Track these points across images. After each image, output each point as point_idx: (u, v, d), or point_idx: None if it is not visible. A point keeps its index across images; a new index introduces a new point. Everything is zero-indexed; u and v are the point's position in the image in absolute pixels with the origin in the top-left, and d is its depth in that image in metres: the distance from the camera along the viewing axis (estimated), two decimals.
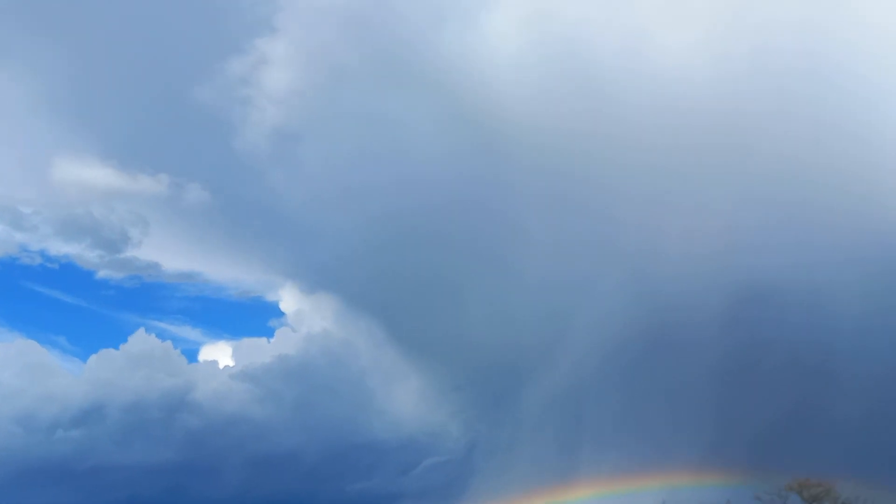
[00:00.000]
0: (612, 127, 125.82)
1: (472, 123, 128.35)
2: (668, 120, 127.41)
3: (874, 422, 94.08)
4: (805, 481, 49.60)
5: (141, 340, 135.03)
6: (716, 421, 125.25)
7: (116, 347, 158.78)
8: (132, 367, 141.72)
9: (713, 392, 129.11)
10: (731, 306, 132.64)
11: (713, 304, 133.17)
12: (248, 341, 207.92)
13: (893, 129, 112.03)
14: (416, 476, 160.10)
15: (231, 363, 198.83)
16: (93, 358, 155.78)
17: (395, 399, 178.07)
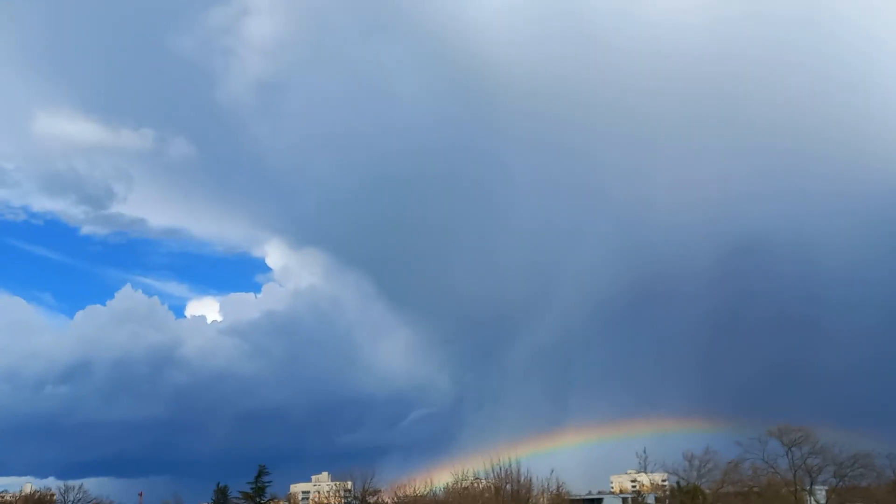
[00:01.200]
0: (603, 72, 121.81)
1: (460, 68, 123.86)
2: (661, 65, 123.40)
3: (856, 372, 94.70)
4: (785, 427, 50.00)
5: (127, 296, 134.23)
6: (701, 371, 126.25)
7: (103, 303, 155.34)
8: (119, 322, 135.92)
9: (700, 342, 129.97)
10: (721, 257, 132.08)
11: (703, 254, 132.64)
12: (235, 296, 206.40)
13: (889, 79, 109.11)
14: (403, 428, 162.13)
15: (218, 318, 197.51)
16: (79, 314, 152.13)
17: (382, 353, 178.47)
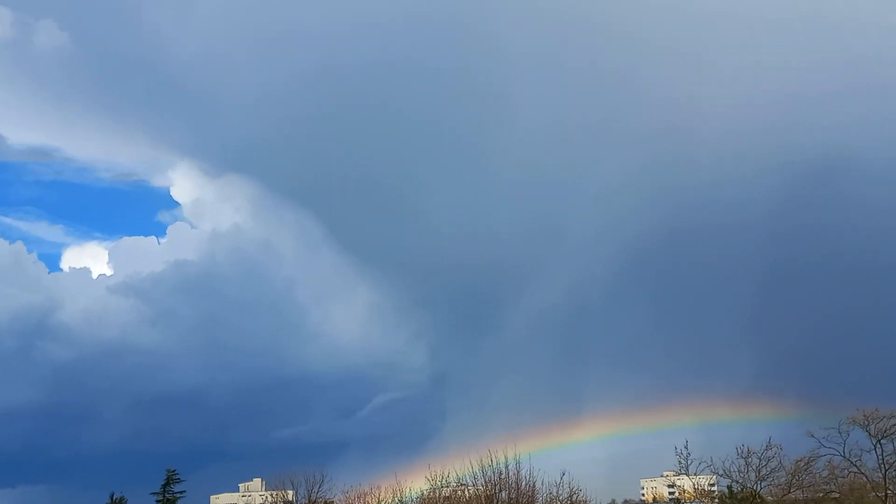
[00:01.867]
0: None
1: None
2: None
3: None
4: (872, 412, 50.44)
5: None
6: (760, 339, 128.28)
7: None
8: None
9: (758, 307, 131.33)
10: (785, 195, 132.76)
11: (761, 195, 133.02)
12: (129, 242, 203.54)
13: None
14: (363, 419, 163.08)
15: (108, 272, 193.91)
16: None
17: (335, 319, 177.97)
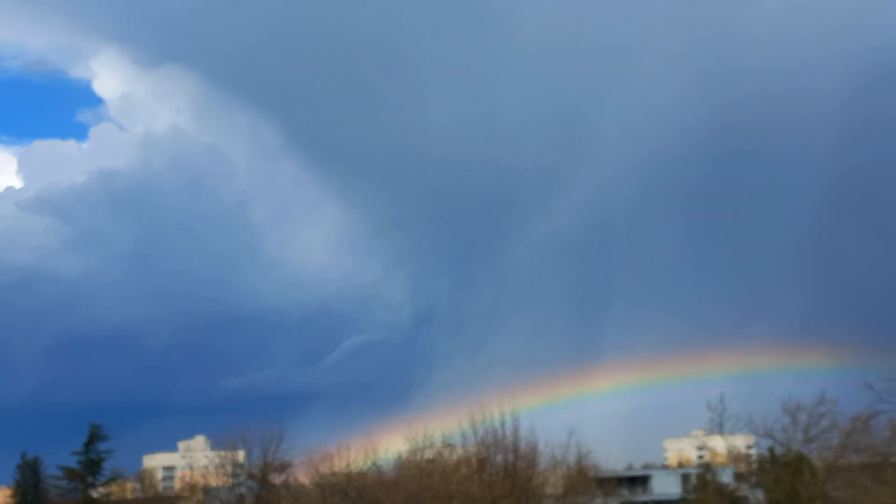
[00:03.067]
0: None
1: None
2: None
3: None
4: None
5: None
6: (816, 276, 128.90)
7: None
8: None
9: (815, 233, 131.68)
10: (856, 89, 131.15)
11: (827, 88, 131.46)
12: (43, 147, 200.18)
13: None
14: (331, 366, 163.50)
15: (17, 184, 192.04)
16: None
17: (297, 244, 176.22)
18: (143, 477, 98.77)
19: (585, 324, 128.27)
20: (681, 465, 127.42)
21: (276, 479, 67.26)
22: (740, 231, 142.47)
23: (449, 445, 59.94)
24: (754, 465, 67.75)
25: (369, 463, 63.46)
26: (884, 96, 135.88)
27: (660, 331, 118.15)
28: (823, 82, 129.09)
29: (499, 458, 53.03)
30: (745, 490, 66.03)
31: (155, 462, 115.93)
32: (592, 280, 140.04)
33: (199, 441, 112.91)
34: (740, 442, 63.30)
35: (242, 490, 69.48)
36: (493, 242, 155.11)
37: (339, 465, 63.86)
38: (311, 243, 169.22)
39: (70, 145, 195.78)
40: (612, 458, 73.37)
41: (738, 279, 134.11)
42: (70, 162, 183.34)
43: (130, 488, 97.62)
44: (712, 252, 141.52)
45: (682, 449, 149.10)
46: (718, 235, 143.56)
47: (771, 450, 57.66)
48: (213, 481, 74.71)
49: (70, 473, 65.77)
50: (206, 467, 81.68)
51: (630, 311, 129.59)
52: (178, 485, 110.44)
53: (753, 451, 70.40)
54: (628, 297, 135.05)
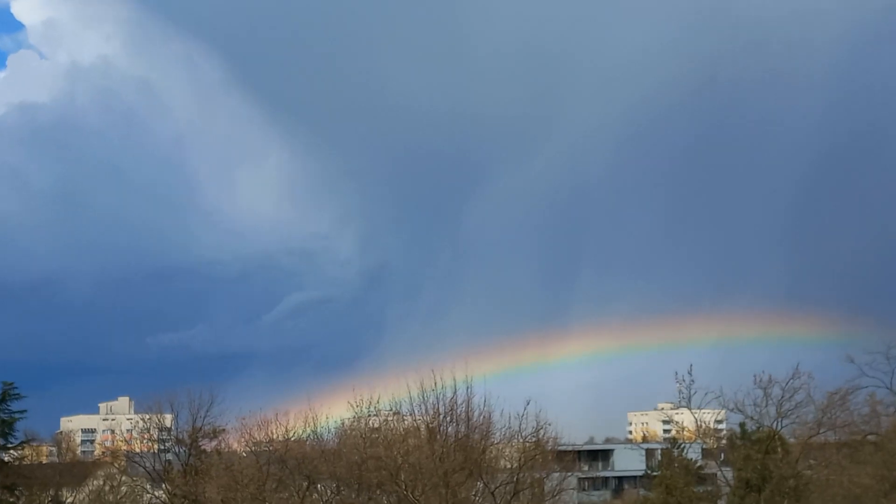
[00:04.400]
0: None
1: None
2: None
3: None
4: None
5: None
6: (800, 243, 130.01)
7: None
8: None
9: (801, 197, 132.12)
10: (847, 59, 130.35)
11: (817, 57, 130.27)
12: None
13: None
14: (271, 325, 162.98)
15: None
16: None
17: (237, 190, 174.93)
18: (60, 440, 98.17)
19: (552, 289, 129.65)
20: (645, 439, 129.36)
21: (207, 445, 67.55)
22: (722, 195, 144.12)
23: (397, 414, 60.18)
24: (724, 442, 68.90)
25: (309, 430, 63.83)
26: (886, 52, 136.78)
27: (631, 298, 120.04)
28: (820, 34, 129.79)
29: (450, 428, 53.32)
30: (713, 468, 67.28)
31: (73, 424, 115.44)
32: (562, 243, 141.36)
33: (123, 403, 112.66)
34: (709, 417, 64.12)
35: (169, 457, 69.58)
36: (455, 197, 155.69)
37: (276, 432, 64.03)
38: (254, 190, 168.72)
39: None
40: (573, 431, 74.31)
41: (717, 245, 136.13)
42: None
43: (46, 452, 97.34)
44: (692, 216, 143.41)
45: (647, 423, 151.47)
46: (699, 199, 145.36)
47: (742, 425, 58.72)
48: (137, 447, 74.73)
49: None
50: (129, 431, 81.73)
51: (601, 277, 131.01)
52: (98, 450, 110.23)
53: (723, 427, 71.58)
54: (600, 261, 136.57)
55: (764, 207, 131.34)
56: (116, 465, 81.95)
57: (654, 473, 74.64)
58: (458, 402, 53.12)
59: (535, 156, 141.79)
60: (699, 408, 56.74)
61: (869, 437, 52.39)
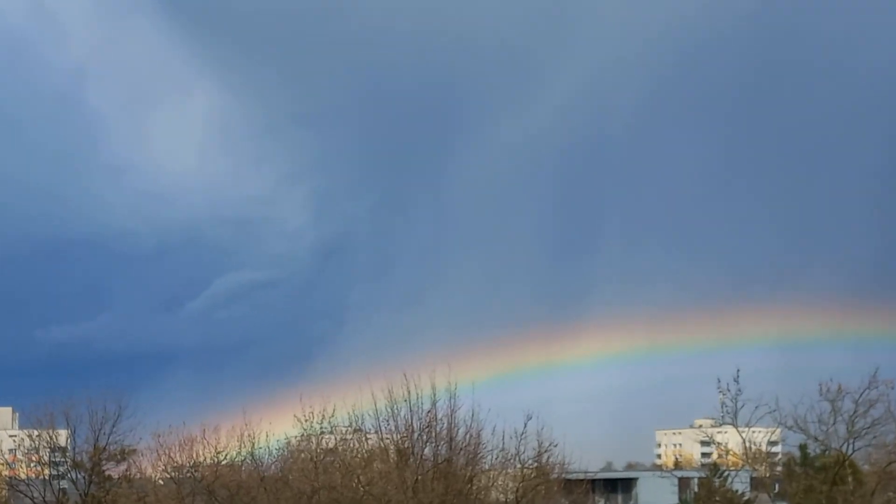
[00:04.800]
0: None
1: None
2: None
3: None
4: None
5: None
6: (886, 221, 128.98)
7: None
8: None
9: (891, 162, 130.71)
10: None
11: None
12: None
13: None
14: (197, 315, 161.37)
15: None
16: None
17: (154, 140, 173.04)
18: None
19: (563, 270, 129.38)
20: (678, 465, 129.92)
21: (113, 469, 67.46)
22: (789, 150, 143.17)
23: (358, 431, 60.11)
24: (779, 469, 69.03)
25: (245, 452, 63.59)
26: None
27: (666, 283, 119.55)
28: None
29: (427, 450, 53.28)
30: (764, 501, 67.49)
31: None
32: (576, 210, 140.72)
33: (4, 415, 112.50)
34: (761, 437, 64.26)
35: (64, 484, 69.41)
36: (437, 150, 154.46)
37: (203, 453, 63.99)
38: (176, 140, 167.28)
39: None
40: (587, 454, 74.19)
41: (780, 216, 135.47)
42: None
43: None
44: (747, 178, 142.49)
45: (681, 444, 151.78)
46: (757, 155, 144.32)
47: (802, 448, 58.80)
48: (23, 472, 74.30)
49: None
50: (11, 452, 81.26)
51: (626, 255, 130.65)
52: None
53: (778, 450, 71.74)
54: (625, 234, 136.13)
55: (842, 166, 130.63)
56: None
57: None
58: (439, 416, 53.28)
59: (542, 95, 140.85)
60: (748, 425, 56.82)
61: None
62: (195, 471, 63.35)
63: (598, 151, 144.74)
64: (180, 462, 64.67)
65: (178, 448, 64.80)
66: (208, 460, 63.30)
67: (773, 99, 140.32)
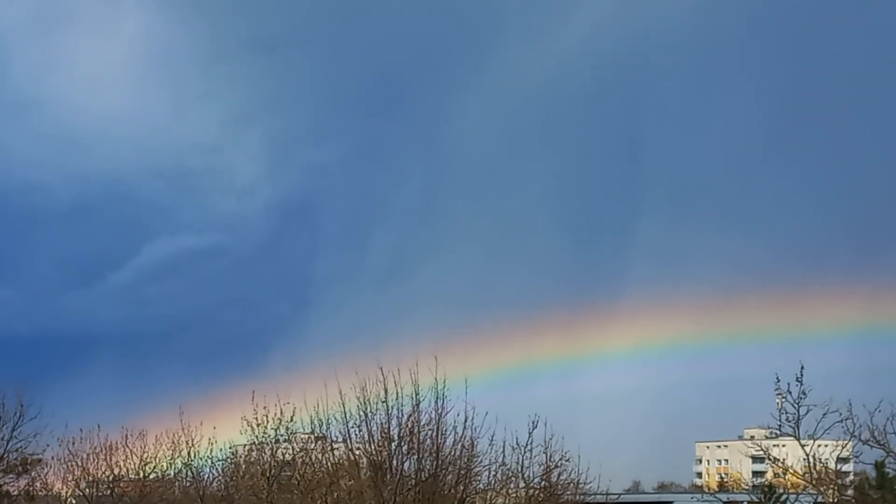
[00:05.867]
0: None
1: None
2: None
3: None
4: None
5: None
6: None
7: None
8: None
9: None
10: None
11: None
12: None
13: None
14: (121, 290, 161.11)
15: None
16: None
17: (70, 72, 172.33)
18: None
19: (589, 241, 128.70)
20: (723, 486, 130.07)
21: (13, 484, 67.37)
22: (869, 101, 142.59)
23: (322, 438, 59.89)
24: (850, 492, 69.00)
25: (181, 463, 63.94)
26: None
27: (715, 261, 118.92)
28: None
29: (408, 463, 53.12)
30: None
31: None
32: (606, 169, 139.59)
33: None
34: (829, 451, 64.23)
35: None
36: (430, 86, 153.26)
37: (125, 464, 63.97)
38: (97, 71, 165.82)
39: None
40: (610, 471, 73.84)
41: (860, 181, 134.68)
42: None
43: None
44: (818, 135, 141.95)
45: (727, 459, 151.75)
46: (830, 107, 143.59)
47: (880, 466, 58.80)
48: None
49: None
50: None
51: (668, 225, 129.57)
52: None
53: (850, 469, 71.64)
54: (667, 200, 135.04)
55: None
56: None
57: None
58: (423, 421, 53.33)
59: (564, 18, 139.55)
60: (813, 437, 56.75)
61: None
62: (115, 486, 63.26)
63: (633, 96, 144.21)
64: (97, 475, 64.52)
65: (94, 458, 64.79)
66: (132, 473, 63.18)
67: (858, 37, 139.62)
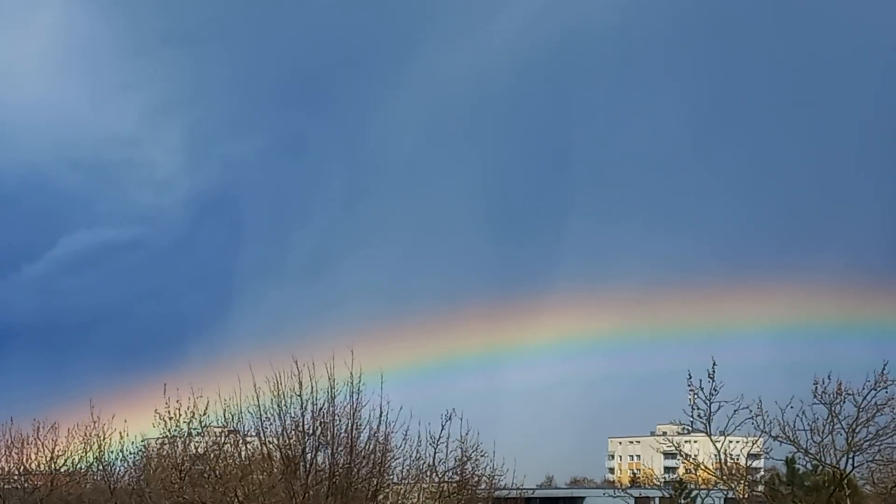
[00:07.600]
0: None
1: None
2: None
3: None
4: None
5: None
6: None
7: None
8: None
9: None
10: None
11: None
12: None
13: None
14: (34, 281, 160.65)
15: None
16: None
17: None
18: None
19: (514, 237, 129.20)
20: (635, 481, 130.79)
21: None
22: (793, 100, 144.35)
23: (235, 432, 59.75)
24: (761, 488, 69.57)
25: (92, 457, 63.61)
26: None
27: (644, 255, 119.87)
28: None
29: (322, 457, 53.14)
30: None
31: None
32: (533, 165, 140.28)
33: None
34: (739, 448, 64.59)
35: None
36: (353, 79, 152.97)
37: (36, 457, 63.55)
38: (14, 61, 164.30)
39: None
40: (523, 467, 74.08)
41: (783, 180, 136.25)
42: None
43: None
44: (745, 133, 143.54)
45: (639, 455, 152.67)
46: (755, 107, 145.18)
47: (790, 462, 59.30)
48: None
49: None
50: None
51: (594, 222, 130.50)
52: None
53: (761, 465, 72.23)
54: (592, 198, 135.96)
55: (869, 118, 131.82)
56: None
57: None
58: (338, 414, 53.45)
59: (490, 16, 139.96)
60: (724, 433, 56.94)
61: None
62: (25, 480, 62.79)
63: (559, 95, 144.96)
64: (6, 469, 64.05)
65: (3, 451, 64.29)
66: (42, 467, 62.79)
67: (797, 28, 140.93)
